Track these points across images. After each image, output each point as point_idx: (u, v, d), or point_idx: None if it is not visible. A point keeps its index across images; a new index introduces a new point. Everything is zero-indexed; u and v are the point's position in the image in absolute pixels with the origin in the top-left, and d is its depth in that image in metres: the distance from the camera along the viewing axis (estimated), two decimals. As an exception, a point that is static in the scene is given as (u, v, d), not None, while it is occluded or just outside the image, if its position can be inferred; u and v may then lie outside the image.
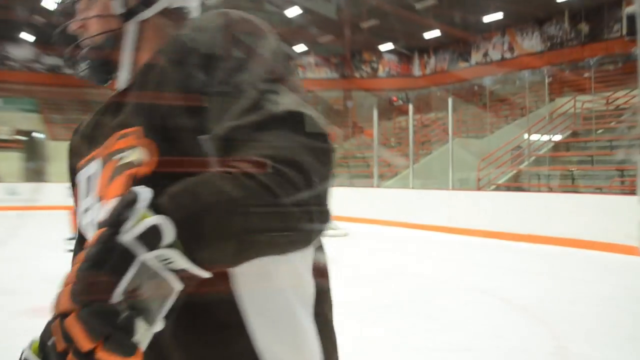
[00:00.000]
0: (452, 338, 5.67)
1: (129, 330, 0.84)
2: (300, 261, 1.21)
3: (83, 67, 1.37)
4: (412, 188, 18.46)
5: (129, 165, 1.12)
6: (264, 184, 0.92)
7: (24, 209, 20.51)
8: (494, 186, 18.08)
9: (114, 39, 1.33)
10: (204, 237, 0.91)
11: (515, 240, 13.18)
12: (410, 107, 20.94)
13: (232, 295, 1.12)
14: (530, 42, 31.07)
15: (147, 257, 0.87)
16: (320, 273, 1.29)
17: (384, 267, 10.10)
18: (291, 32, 32.09)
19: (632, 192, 11.40)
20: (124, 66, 1.32)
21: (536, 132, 20.48)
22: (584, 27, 28.51)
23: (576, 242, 11.96)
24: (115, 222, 0.89)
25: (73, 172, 1.36)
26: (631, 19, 12.93)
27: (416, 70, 37.72)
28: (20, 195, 22.74)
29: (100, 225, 0.92)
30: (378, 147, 21.40)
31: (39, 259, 10.01)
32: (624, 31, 25.25)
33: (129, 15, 1.31)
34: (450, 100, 18.38)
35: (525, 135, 19.99)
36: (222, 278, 1.10)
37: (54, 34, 1.43)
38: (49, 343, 0.88)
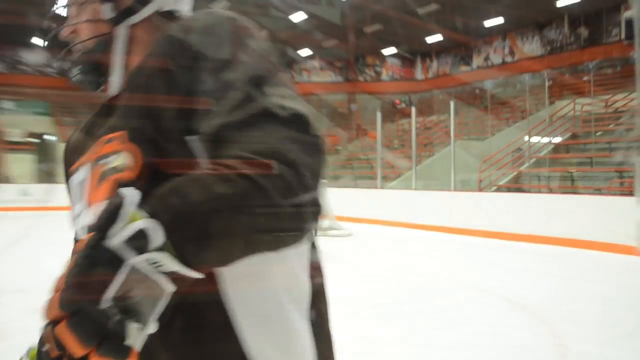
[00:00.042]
0: (453, 336, 5.66)
1: (120, 334, 0.84)
2: (296, 261, 1.19)
3: (75, 72, 1.36)
4: (415, 189, 18.46)
5: (114, 170, 1.09)
6: (253, 180, 0.91)
7: (36, 210, 20.59)
8: (495, 187, 18.08)
9: (105, 43, 1.31)
10: (194, 238, 0.90)
11: (515, 240, 13.17)
12: (413, 110, 20.95)
13: (220, 296, 1.09)
14: (531, 46, 31.05)
15: (136, 261, 0.86)
16: (317, 273, 1.27)
17: (387, 267, 10.10)
18: (296, 36, 32.16)
19: (631, 193, 11.39)
20: (116, 70, 1.31)
21: (536, 135, 20.47)
22: (584, 32, 28.48)
23: (576, 242, 11.95)
24: (102, 226, 0.89)
25: (67, 178, 1.34)
26: (629, 23, 12.86)
27: (419, 74, 37.72)
28: (32, 196, 22.80)
29: (89, 230, 0.91)
30: (381, 149, 21.40)
31: (51, 259, 10.05)
32: (623, 35, 25.21)
33: (118, 19, 1.30)
34: (452, 103, 18.39)
35: (526, 138, 19.97)
36: (210, 279, 1.07)
37: (45, 40, 1.43)
38: (44, 350, 0.88)
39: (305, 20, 29.39)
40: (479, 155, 19.62)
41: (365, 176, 24.12)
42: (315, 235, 1.29)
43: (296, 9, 27.93)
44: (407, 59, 37.52)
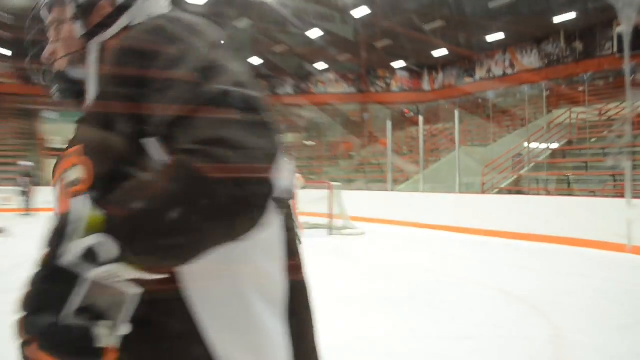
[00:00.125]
0: (457, 327, 5.67)
1: (90, 342, 0.83)
2: (265, 259, 1.11)
3: (54, 91, 1.33)
4: (422, 192, 18.43)
5: (71, 184, 1.06)
6: (196, 175, 0.86)
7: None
8: (496, 190, 18.01)
9: (78, 59, 1.29)
10: (145, 244, 0.87)
11: (515, 239, 13.14)
12: (421, 118, 20.94)
13: (183, 297, 1.03)
14: (529, 59, 30.89)
15: (92, 275, 0.83)
16: (294, 271, 1.18)
17: (397, 263, 10.11)
18: (313, 51, 32.19)
19: (622, 195, 11.34)
20: (90, 84, 1.25)
21: (535, 141, 20.39)
22: (579, 46, 28.31)
23: (571, 240, 11.90)
24: (53, 243, 0.87)
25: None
26: (621, 38, 12.83)
27: (426, 85, 37.61)
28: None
29: (44, 247, 0.89)
30: (391, 155, 21.39)
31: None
32: (615, 49, 25.06)
33: (90, 36, 1.27)
34: (456, 112, 18.38)
35: (525, 144, 19.89)
36: (173, 280, 1.02)
37: (25, 63, 1.41)
38: None
39: (321, 36, 29.40)
40: (481, 160, 19.57)
41: (377, 180, 24.08)
42: (294, 235, 1.22)
43: (312, 26, 27.94)
44: (414, 72, 37.42)
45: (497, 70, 32.72)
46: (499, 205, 14.92)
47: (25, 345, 0.87)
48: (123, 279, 0.86)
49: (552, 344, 5.09)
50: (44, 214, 19.37)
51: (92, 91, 1.23)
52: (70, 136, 1.19)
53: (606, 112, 21.22)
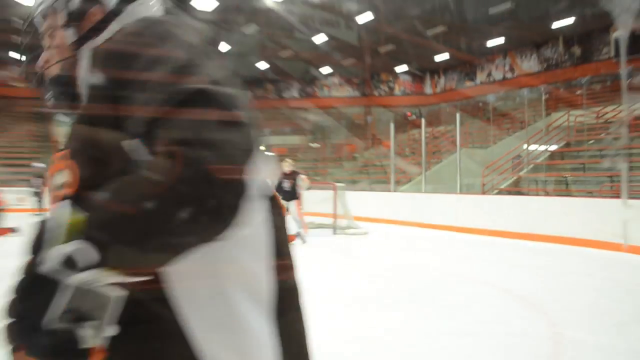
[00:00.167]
0: (459, 324, 5.67)
1: (74, 345, 0.82)
2: (251, 259, 1.09)
3: (48, 98, 1.31)
4: (425, 192, 18.41)
5: (58, 187, 1.04)
6: (169, 177, 0.85)
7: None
8: (496, 190, 17.98)
9: (72, 66, 1.26)
10: (120, 249, 0.86)
11: (515, 238, 13.12)
12: (423, 121, 20.90)
13: (169, 300, 1.00)
14: (529, 64, 30.87)
15: (73, 280, 0.82)
16: (283, 271, 1.15)
17: (400, 262, 10.10)
18: (318, 56, 32.22)
19: (619, 196, 11.32)
20: (83, 89, 1.21)
21: (534, 143, 20.34)
22: (577, 50, 28.28)
23: (569, 240, 11.88)
24: (34, 250, 0.87)
25: None
26: (618, 43, 12.82)
27: (428, 89, 37.62)
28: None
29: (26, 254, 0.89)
30: (394, 157, 21.36)
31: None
32: (612, 53, 25.05)
33: (81, 42, 1.26)
34: (457, 115, 18.35)
35: (525, 146, 19.84)
36: (158, 281, 1.00)
37: (20, 72, 1.40)
38: None
39: (326, 41, 29.43)
40: (482, 161, 19.53)
41: (380, 181, 24.08)
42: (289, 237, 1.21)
43: (318, 31, 27.97)
44: (417, 76, 37.45)
45: (497, 74, 32.71)
46: (499, 206, 14.88)
47: (14, 351, 0.88)
48: (106, 283, 0.84)
49: (552, 340, 5.09)
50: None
51: (83, 95, 1.21)
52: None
53: (603, 115, 21.18)
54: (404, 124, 32.01)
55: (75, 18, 1.28)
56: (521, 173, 18.88)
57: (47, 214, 0.95)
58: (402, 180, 22.04)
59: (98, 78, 1.05)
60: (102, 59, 1.08)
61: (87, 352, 0.84)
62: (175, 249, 0.90)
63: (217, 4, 23.85)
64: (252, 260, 1.09)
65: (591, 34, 27.04)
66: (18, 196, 21.82)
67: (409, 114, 34.93)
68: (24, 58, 1.40)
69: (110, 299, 0.85)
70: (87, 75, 1.18)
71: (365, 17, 26.02)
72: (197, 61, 1.00)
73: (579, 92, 23.72)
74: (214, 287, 1.04)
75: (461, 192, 16.97)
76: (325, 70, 36.72)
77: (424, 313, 6.16)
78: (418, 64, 34.80)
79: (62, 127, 1.17)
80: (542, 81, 27.75)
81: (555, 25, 26.63)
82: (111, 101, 1.00)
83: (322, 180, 22.66)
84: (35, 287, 0.85)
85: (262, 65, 35.28)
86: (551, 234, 12.41)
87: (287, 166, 13.25)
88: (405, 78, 37.85)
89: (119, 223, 0.85)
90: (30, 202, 20.92)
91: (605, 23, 23.41)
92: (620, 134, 15.33)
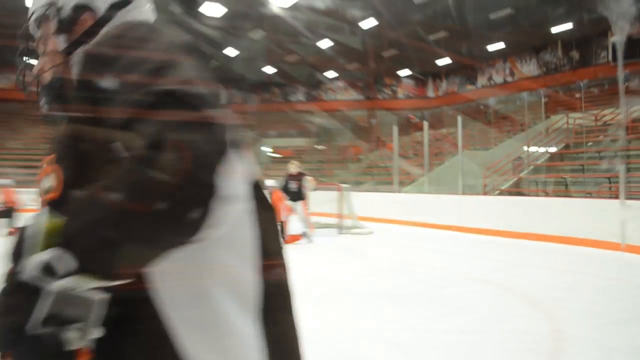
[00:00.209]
0: (461, 321, 5.67)
1: (58, 348, 0.81)
2: (236, 259, 1.06)
3: (42, 104, 1.27)
4: (427, 193, 18.41)
5: (45, 192, 1.03)
6: (138, 181, 0.83)
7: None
8: (497, 191, 17.97)
9: (63, 72, 1.23)
10: (97, 255, 0.84)
11: (516, 238, 13.10)
12: (425, 124, 20.89)
13: (154, 301, 0.98)
14: (529, 68, 30.82)
15: (53, 287, 0.81)
16: (270, 272, 1.11)
17: (403, 260, 10.11)
18: (323, 60, 32.22)
19: (617, 197, 11.31)
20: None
21: (534, 145, 20.34)
22: (575, 55, 28.22)
23: (569, 239, 11.87)
24: (14, 258, 0.86)
25: None
26: (615, 47, 12.83)
27: (430, 92, 37.59)
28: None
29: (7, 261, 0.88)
30: (398, 158, 21.38)
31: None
32: (610, 57, 24.98)
33: (72, 48, 1.24)
34: (459, 118, 18.33)
35: (525, 148, 19.84)
36: (142, 283, 0.97)
37: (17, 80, 1.36)
38: None
39: (331, 46, 29.44)
40: (483, 163, 19.51)
41: (384, 182, 24.04)
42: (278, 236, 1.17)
43: (323, 36, 27.98)
44: (419, 80, 37.41)
45: (498, 78, 32.66)
46: (499, 206, 14.88)
47: (1, 358, 0.87)
48: (86, 288, 0.83)
49: (552, 337, 5.08)
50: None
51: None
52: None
53: (601, 118, 21.15)
54: (407, 127, 31.98)
55: (66, 25, 1.28)
56: (522, 174, 18.86)
57: (28, 221, 0.93)
58: (406, 182, 22.03)
59: (79, 81, 1.05)
60: (81, 62, 1.08)
61: (73, 354, 0.84)
62: (148, 252, 0.88)
63: (225, 10, 23.89)
64: (237, 260, 1.06)
65: (589, 39, 26.98)
66: (32, 197, 21.88)
67: (411, 117, 34.89)
68: (19, 65, 1.38)
69: (93, 302, 0.83)
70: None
71: (369, 23, 26.03)
72: (170, 63, 0.97)
73: (577, 95, 23.64)
74: (197, 288, 1.01)
75: (463, 193, 16.95)
76: (330, 74, 36.71)
77: (427, 310, 6.16)
78: (420, 68, 34.77)
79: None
80: (541, 85, 27.71)
81: (554, 30, 26.57)
82: (90, 104, 0.99)
83: (327, 182, 22.64)
84: (17, 295, 0.84)
85: (269, 69, 35.31)
86: (551, 234, 12.39)
87: (294, 168, 13.26)
88: (408, 82, 37.81)
89: (92, 228, 0.84)
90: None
91: (603, 28, 23.37)
92: (618, 136, 15.35)
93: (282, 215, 12.09)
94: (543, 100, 24.36)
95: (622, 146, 14.86)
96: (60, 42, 1.27)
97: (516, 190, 18.03)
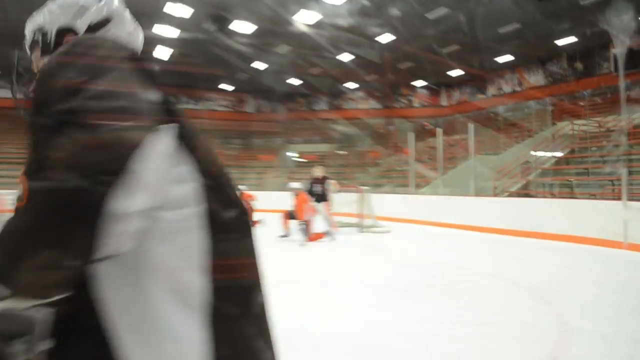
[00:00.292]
0: (473, 314, 5.66)
1: None
2: (180, 262, 0.97)
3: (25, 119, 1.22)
4: (442, 195, 18.34)
5: (16, 201, 0.94)
6: (36, 204, 0.79)
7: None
8: (507, 193, 17.82)
9: None
10: (15, 281, 0.78)
11: (524, 237, 13.00)
12: (439, 130, 20.85)
13: (99, 311, 0.92)
14: (535, 78, 30.52)
15: None
16: (223, 270, 1.00)
17: (419, 257, 10.09)
18: (345, 73, 32.25)
19: (620, 198, 11.19)
20: None
21: (541, 150, 20.14)
22: (579, 66, 27.89)
23: (574, 238, 11.75)
24: None
25: None
26: (617, 59, 12.72)
27: (443, 101, 37.37)
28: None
29: None
30: (414, 162, 21.33)
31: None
32: (612, 68, 24.70)
33: None
34: (471, 125, 18.28)
35: (533, 153, 19.68)
36: (85, 295, 0.91)
37: (15, 103, 1.32)
38: None
39: (352, 60, 29.44)
40: (493, 167, 19.37)
41: (401, 184, 23.99)
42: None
43: (344, 51, 28.01)
44: (433, 90, 37.21)
45: (507, 88, 32.38)
46: (509, 207, 14.78)
47: None
48: (24, 307, 0.78)
49: (558, 329, 5.05)
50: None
51: None
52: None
53: (604, 125, 20.85)
54: (422, 133, 31.84)
55: (50, 48, 1.26)
56: (529, 177, 18.69)
57: None
58: (421, 184, 21.95)
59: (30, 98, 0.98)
60: (37, 81, 0.99)
61: None
62: (56, 278, 0.80)
63: (255, 27, 24.04)
64: (180, 263, 0.97)
65: (592, 51, 26.66)
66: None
67: (426, 124, 34.73)
68: (14, 88, 1.35)
69: (35, 318, 0.79)
70: None
71: (386, 38, 25.99)
72: (88, 81, 0.88)
73: (581, 103, 23.41)
74: (138, 292, 0.94)
75: (475, 194, 16.86)
76: (351, 85, 36.70)
77: (441, 303, 6.16)
78: (434, 79, 34.59)
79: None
80: (547, 94, 27.47)
81: (559, 43, 26.30)
82: (30, 120, 0.93)
83: (348, 184, 22.65)
84: None
85: (295, 81, 35.42)
86: (557, 233, 12.28)
87: (318, 172, 13.32)
88: (422, 92, 37.63)
89: (3, 257, 0.79)
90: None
91: (605, 41, 23.04)
92: (620, 141, 15.17)
93: (307, 215, 12.13)
94: (549, 108, 24.17)
95: (624, 151, 14.67)
96: (44, 61, 1.25)
97: (524, 192, 17.87)
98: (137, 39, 1.37)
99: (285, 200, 14.73)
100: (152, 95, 0.95)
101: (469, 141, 18.51)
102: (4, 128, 25.67)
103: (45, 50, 1.27)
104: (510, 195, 17.50)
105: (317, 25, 23.22)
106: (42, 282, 0.79)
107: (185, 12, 21.59)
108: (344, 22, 22.94)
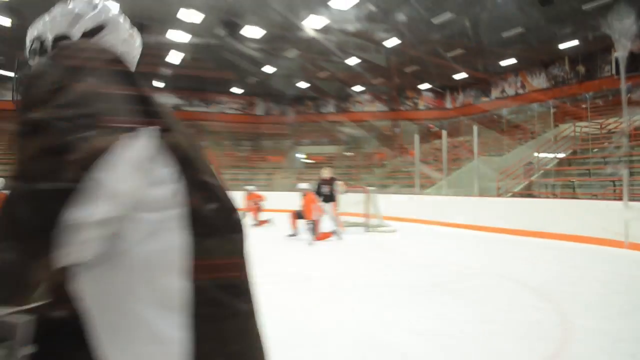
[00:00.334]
0: (478, 312, 5.63)
1: None
2: (159, 261, 0.93)
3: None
4: (446, 195, 18.31)
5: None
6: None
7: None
8: (510, 194, 17.76)
9: None
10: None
11: (527, 236, 12.96)
12: (444, 132, 20.78)
13: (79, 316, 0.89)
14: (538, 81, 30.42)
15: None
16: (206, 270, 0.97)
17: (425, 256, 10.07)
18: (352, 76, 32.26)
19: (621, 198, 11.14)
20: None
21: (544, 151, 20.07)
22: (581, 69, 27.78)
23: (576, 237, 11.70)
24: None
25: None
26: (618, 62, 12.67)
27: (448, 104, 37.30)
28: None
29: None
30: (419, 164, 21.28)
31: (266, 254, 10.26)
32: (613, 71, 24.57)
33: None
34: (475, 127, 18.21)
35: (535, 154, 19.61)
36: (66, 301, 0.89)
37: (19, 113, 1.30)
38: None
39: (358, 63, 29.44)
40: (497, 168, 19.32)
41: (406, 185, 23.97)
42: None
43: (351, 55, 28.02)
44: (438, 92, 37.15)
45: (510, 91, 32.29)
46: (512, 207, 14.73)
47: None
48: (5, 314, 0.77)
49: (561, 327, 5.03)
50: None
51: None
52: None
53: (606, 126, 20.76)
54: (427, 135, 31.80)
55: (44, 53, 1.26)
56: (532, 178, 18.62)
57: None
58: (426, 185, 21.91)
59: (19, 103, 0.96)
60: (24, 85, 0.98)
61: None
62: (27, 280, 0.79)
63: (264, 32, 24.08)
64: (159, 264, 0.94)
65: (594, 54, 26.54)
66: None
67: (431, 126, 34.69)
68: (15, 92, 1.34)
69: (15, 325, 0.77)
70: None
71: (392, 42, 25.96)
72: (66, 86, 0.87)
73: (583, 106, 23.28)
74: (117, 294, 0.91)
75: (479, 195, 16.82)
76: (358, 88, 36.69)
77: (447, 302, 6.13)
78: (439, 82, 34.54)
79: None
80: (550, 96, 27.34)
81: (562, 46, 26.18)
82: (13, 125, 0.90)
83: (355, 185, 22.64)
84: None
85: (303, 84, 35.47)
86: (560, 232, 12.23)
87: (326, 173, 13.33)
88: (428, 94, 37.57)
89: None
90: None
91: (607, 44, 22.93)
92: (621, 143, 15.08)
93: (314, 215, 12.14)
94: (552, 110, 24.03)
95: (625, 152, 14.59)
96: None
97: (527, 192, 17.80)
98: (133, 45, 1.36)
99: (293, 200, 14.75)
100: (131, 99, 0.93)
101: (473, 143, 18.45)
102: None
103: (43, 57, 1.27)
104: (514, 195, 17.44)
105: (325, 30, 23.24)
106: (12, 291, 0.78)
107: (197, 17, 21.66)
108: (351, 27, 22.97)
